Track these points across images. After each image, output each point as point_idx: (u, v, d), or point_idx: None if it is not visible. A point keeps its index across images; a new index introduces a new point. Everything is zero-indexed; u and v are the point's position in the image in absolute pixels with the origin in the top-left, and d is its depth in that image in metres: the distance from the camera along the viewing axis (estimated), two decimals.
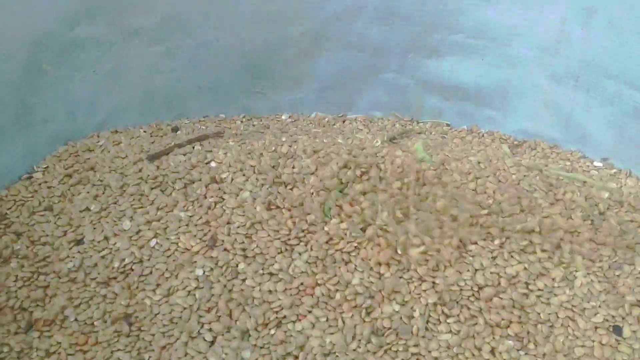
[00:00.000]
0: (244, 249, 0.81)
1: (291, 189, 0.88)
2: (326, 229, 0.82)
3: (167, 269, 0.80)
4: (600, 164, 1.05)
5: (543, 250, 0.82)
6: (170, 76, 1.13)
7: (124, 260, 0.81)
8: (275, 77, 1.19)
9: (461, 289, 0.77)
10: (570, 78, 1.05)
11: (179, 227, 0.84)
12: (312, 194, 0.86)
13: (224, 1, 1.08)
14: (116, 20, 1.03)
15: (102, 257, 0.82)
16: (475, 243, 0.82)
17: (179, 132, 1.11)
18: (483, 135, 1.17)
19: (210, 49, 1.13)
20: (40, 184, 0.94)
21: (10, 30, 0.92)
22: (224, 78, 1.16)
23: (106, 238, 0.84)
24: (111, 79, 1.07)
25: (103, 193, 0.91)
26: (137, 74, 1.09)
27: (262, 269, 0.79)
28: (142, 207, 0.87)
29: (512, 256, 0.81)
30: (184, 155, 0.96)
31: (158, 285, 0.79)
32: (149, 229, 0.84)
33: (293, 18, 1.13)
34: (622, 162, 1.02)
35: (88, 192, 0.91)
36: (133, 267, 0.81)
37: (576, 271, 0.80)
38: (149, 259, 0.82)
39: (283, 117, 1.22)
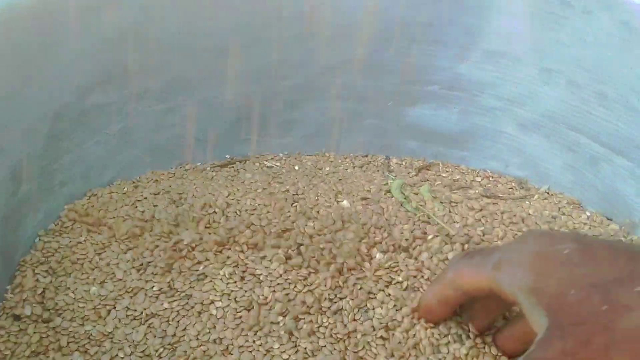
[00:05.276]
0: None
1: None
2: None
3: None
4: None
5: None
6: (172, 130, 1.20)
7: None
8: (266, 125, 1.28)
9: None
10: (534, 126, 1.20)
11: None
12: None
13: (225, 61, 1.16)
14: (125, 86, 1.09)
15: None
16: None
17: None
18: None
19: (209, 104, 1.20)
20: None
21: (34, 105, 0.97)
22: (219, 129, 1.24)
23: None
24: (120, 138, 1.12)
25: None
26: (143, 131, 1.16)
27: None
28: None
29: None
30: None
31: None
32: None
33: (284, 73, 1.22)
34: (581, 201, 1.19)
35: None
36: None
37: None
38: None
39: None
